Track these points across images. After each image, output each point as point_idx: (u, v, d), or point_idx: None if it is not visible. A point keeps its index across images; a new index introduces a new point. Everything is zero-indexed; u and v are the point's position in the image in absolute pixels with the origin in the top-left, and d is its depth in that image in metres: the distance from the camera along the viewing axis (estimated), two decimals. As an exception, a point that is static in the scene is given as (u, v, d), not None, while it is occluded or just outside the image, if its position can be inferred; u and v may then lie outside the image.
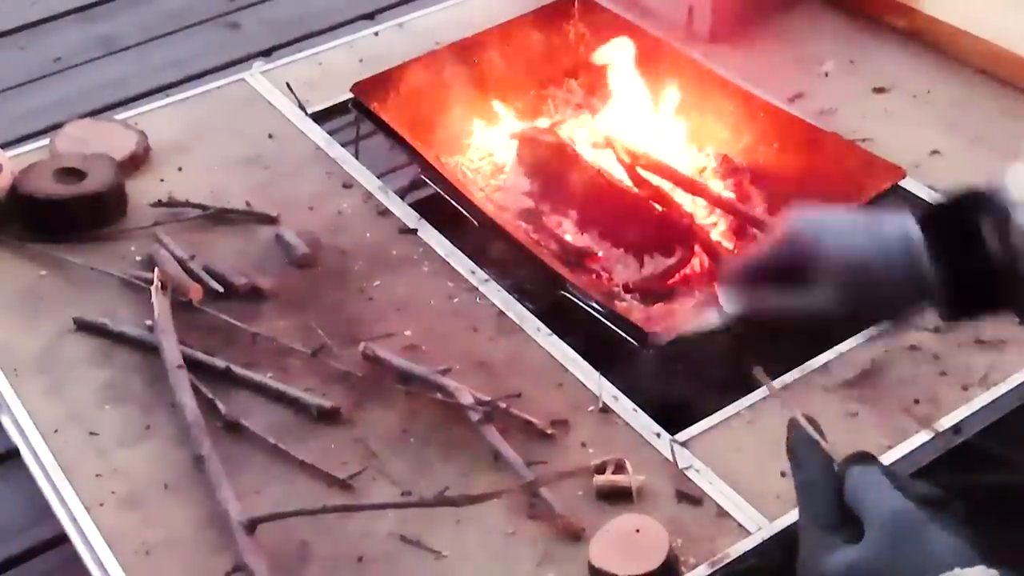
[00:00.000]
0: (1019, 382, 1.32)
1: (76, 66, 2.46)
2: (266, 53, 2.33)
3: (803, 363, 1.36)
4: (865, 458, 0.71)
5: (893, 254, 0.82)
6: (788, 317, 0.87)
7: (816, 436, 0.74)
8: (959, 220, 0.82)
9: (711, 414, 1.31)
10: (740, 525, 1.18)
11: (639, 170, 1.72)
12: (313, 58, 1.92)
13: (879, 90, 1.78)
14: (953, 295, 0.81)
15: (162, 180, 1.66)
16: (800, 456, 0.74)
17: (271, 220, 1.59)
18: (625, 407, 1.31)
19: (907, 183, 1.57)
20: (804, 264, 0.85)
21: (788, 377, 1.34)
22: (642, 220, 1.63)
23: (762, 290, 0.88)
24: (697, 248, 1.61)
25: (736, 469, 1.24)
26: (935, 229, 0.82)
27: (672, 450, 1.26)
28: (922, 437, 1.26)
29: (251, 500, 1.22)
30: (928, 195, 1.58)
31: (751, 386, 1.34)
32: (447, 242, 1.54)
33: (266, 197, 1.62)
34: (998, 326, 1.37)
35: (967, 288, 0.81)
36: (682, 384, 1.49)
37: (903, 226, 0.83)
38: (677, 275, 1.60)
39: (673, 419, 1.30)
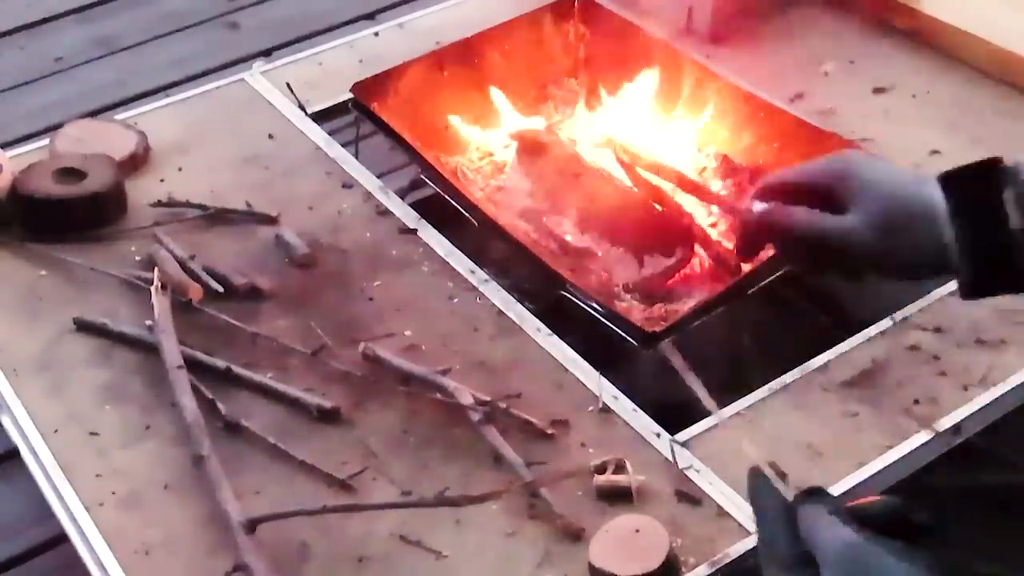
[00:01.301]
0: (1019, 382, 1.32)
1: (76, 66, 2.46)
2: (266, 53, 2.33)
3: (803, 363, 1.36)
4: (816, 493, 0.71)
5: (921, 212, 0.82)
6: (812, 236, 0.85)
7: (775, 478, 0.73)
8: (981, 191, 0.81)
9: (711, 414, 1.31)
10: (740, 525, 1.18)
11: (639, 170, 1.72)
12: (313, 58, 1.92)
13: (879, 90, 1.78)
14: (972, 268, 0.80)
15: (162, 180, 1.66)
16: (759, 500, 0.74)
17: (271, 220, 1.59)
18: (625, 407, 1.31)
19: (907, 183, 1.57)
20: (842, 190, 0.85)
21: (788, 377, 1.34)
22: (642, 220, 1.63)
23: (794, 204, 0.87)
24: (697, 248, 1.61)
25: (736, 469, 1.24)
26: (957, 200, 0.81)
27: (672, 450, 1.26)
28: (922, 437, 1.26)
29: (251, 500, 1.22)
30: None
31: (751, 386, 1.34)
32: (447, 242, 1.54)
33: (266, 197, 1.62)
34: (998, 326, 1.37)
35: (987, 262, 0.80)
36: (682, 384, 1.49)
37: (931, 191, 0.83)
38: (677, 275, 1.60)
39: (673, 419, 1.30)
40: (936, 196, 0.82)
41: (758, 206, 0.88)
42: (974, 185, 0.81)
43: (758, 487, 0.75)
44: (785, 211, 0.87)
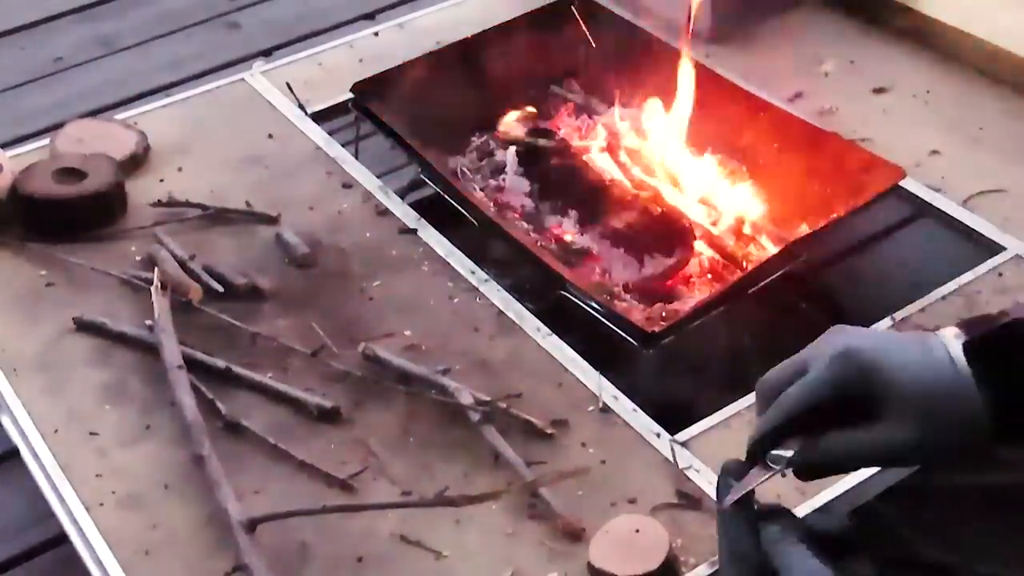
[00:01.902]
0: (1019, 382, 1.32)
1: (76, 66, 2.46)
2: (266, 53, 2.33)
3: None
4: (777, 513, 0.73)
5: (951, 382, 0.74)
6: (855, 461, 0.78)
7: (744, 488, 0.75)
8: (1007, 355, 0.75)
9: (711, 414, 1.31)
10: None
11: (637, 171, 1.72)
12: (313, 58, 1.92)
13: (879, 90, 1.78)
14: (1006, 430, 0.75)
15: (162, 180, 1.66)
16: (725, 520, 0.75)
17: (271, 220, 1.59)
18: (625, 407, 1.31)
19: (907, 183, 1.58)
20: (860, 400, 0.76)
21: (788, 377, 1.34)
22: (642, 220, 1.63)
23: (817, 434, 0.78)
24: (697, 248, 1.61)
25: (736, 469, 1.23)
26: (983, 363, 0.74)
27: (672, 450, 1.26)
28: (922, 437, 1.26)
29: (251, 500, 1.22)
30: (928, 196, 1.59)
31: (751, 386, 1.34)
32: (447, 242, 1.54)
33: (266, 197, 1.62)
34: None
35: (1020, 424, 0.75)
36: (682, 384, 1.49)
37: (950, 353, 0.75)
38: (677, 275, 1.60)
39: (673, 419, 1.30)
40: (955, 355, 0.75)
41: (781, 460, 0.80)
42: (997, 348, 0.75)
43: (721, 485, 0.77)
44: (813, 455, 0.78)
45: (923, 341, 0.76)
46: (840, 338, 0.77)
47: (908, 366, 0.75)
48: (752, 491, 0.76)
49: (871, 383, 0.75)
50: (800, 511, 1.18)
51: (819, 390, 0.77)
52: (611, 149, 1.75)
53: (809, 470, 0.79)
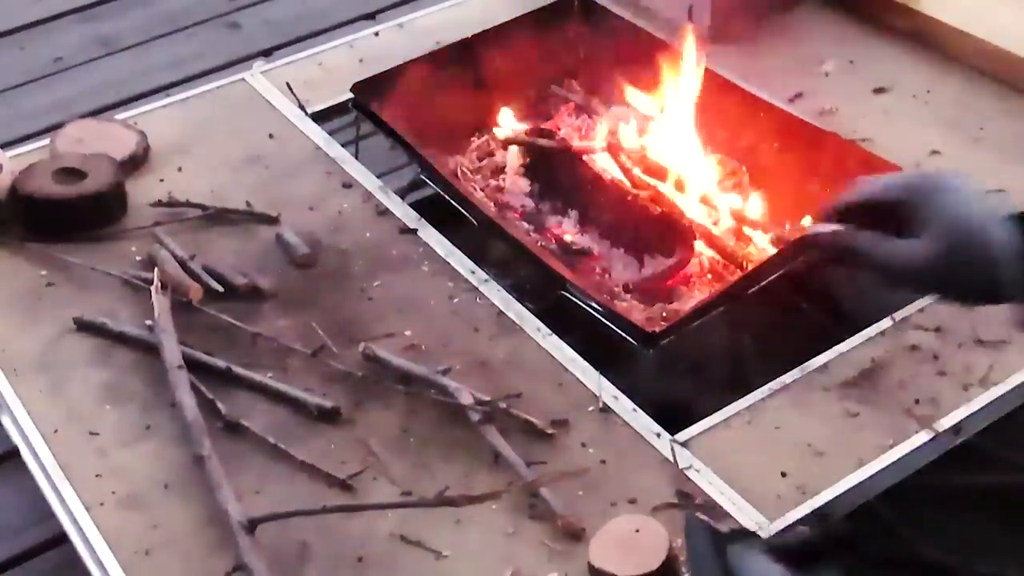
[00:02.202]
0: (1019, 382, 1.32)
1: (76, 66, 2.46)
2: (266, 53, 2.34)
3: (803, 363, 1.36)
4: (744, 535, 0.77)
5: (982, 252, 0.82)
6: (875, 261, 0.85)
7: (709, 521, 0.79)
8: None
9: (711, 414, 1.31)
10: (740, 525, 1.18)
11: (637, 171, 1.72)
12: (313, 58, 1.92)
13: (879, 90, 1.78)
14: None
15: (162, 180, 1.66)
16: (693, 539, 0.80)
17: (271, 220, 1.59)
18: (625, 407, 1.31)
19: (907, 183, 1.57)
20: (911, 213, 0.84)
21: (788, 377, 1.34)
22: (642, 220, 1.63)
23: (858, 227, 0.87)
24: (697, 248, 1.61)
25: (736, 469, 1.24)
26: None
27: (672, 450, 1.26)
28: (922, 437, 1.26)
29: (251, 500, 1.22)
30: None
31: (751, 386, 1.34)
32: (447, 242, 1.54)
33: (266, 197, 1.62)
34: (998, 326, 1.37)
35: None
36: (682, 384, 1.49)
37: (999, 233, 0.83)
38: (677, 275, 1.60)
39: (673, 419, 1.30)
40: (1002, 238, 0.82)
41: (823, 228, 0.89)
42: None
43: (690, 526, 0.81)
44: (845, 239, 0.88)
45: (988, 207, 0.84)
46: (924, 172, 0.90)
47: (958, 213, 0.83)
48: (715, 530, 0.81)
49: (922, 208, 0.83)
50: (800, 511, 1.18)
51: (875, 188, 0.87)
52: (611, 149, 1.75)
53: (840, 256, 0.88)
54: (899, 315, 1.41)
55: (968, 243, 0.82)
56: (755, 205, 1.67)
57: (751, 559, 0.73)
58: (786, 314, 1.56)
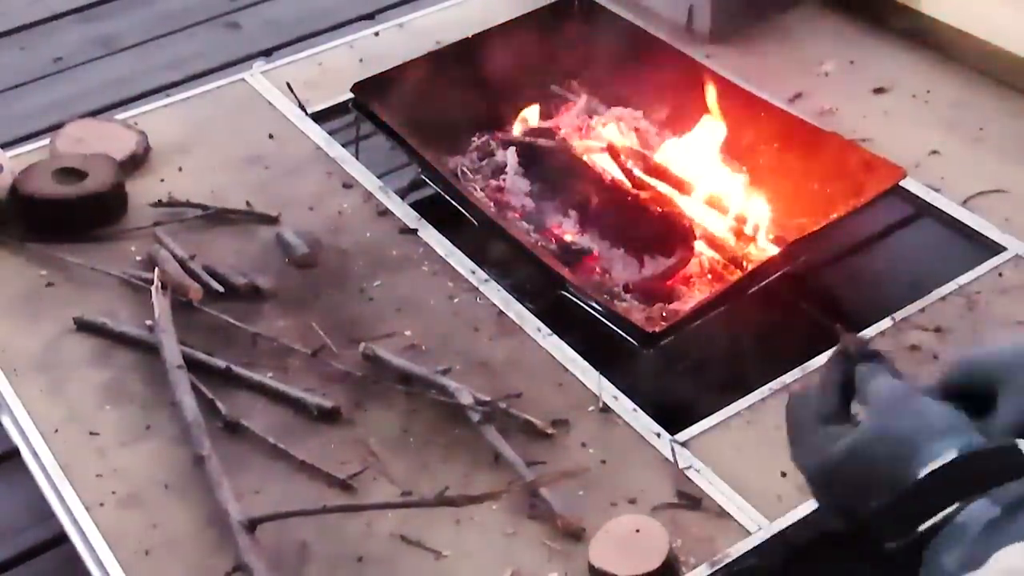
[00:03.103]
0: (1019, 382, 1.32)
1: (76, 66, 2.46)
2: (266, 53, 2.33)
3: (803, 363, 1.35)
4: (873, 356, 0.74)
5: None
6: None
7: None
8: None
9: (711, 414, 1.31)
10: (740, 525, 1.18)
11: (637, 172, 1.72)
12: (313, 58, 1.92)
13: (879, 90, 1.78)
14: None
15: (162, 180, 1.66)
16: (831, 361, 0.75)
17: (271, 220, 1.59)
18: (625, 407, 1.31)
19: (907, 183, 1.58)
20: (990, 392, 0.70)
21: (788, 377, 1.34)
22: (642, 220, 1.63)
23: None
24: (697, 248, 1.61)
25: (736, 469, 1.24)
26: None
27: (672, 450, 1.26)
28: (922, 437, 1.26)
29: (251, 500, 1.22)
30: (928, 196, 1.59)
31: (751, 386, 1.34)
32: (447, 242, 1.54)
33: (266, 197, 1.62)
34: (998, 326, 1.37)
35: None
36: (682, 384, 1.49)
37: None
38: (677, 275, 1.60)
39: (673, 419, 1.30)
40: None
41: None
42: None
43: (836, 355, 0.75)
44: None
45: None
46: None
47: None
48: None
49: (991, 373, 0.70)
50: (800, 511, 1.18)
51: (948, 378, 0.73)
52: (611, 149, 1.75)
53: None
54: (899, 315, 1.41)
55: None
56: (755, 205, 1.66)
57: (880, 374, 0.71)
58: (786, 314, 1.56)
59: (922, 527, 0.62)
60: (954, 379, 0.73)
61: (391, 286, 1.49)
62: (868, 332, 1.39)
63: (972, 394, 0.71)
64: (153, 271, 1.46)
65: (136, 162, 1.67)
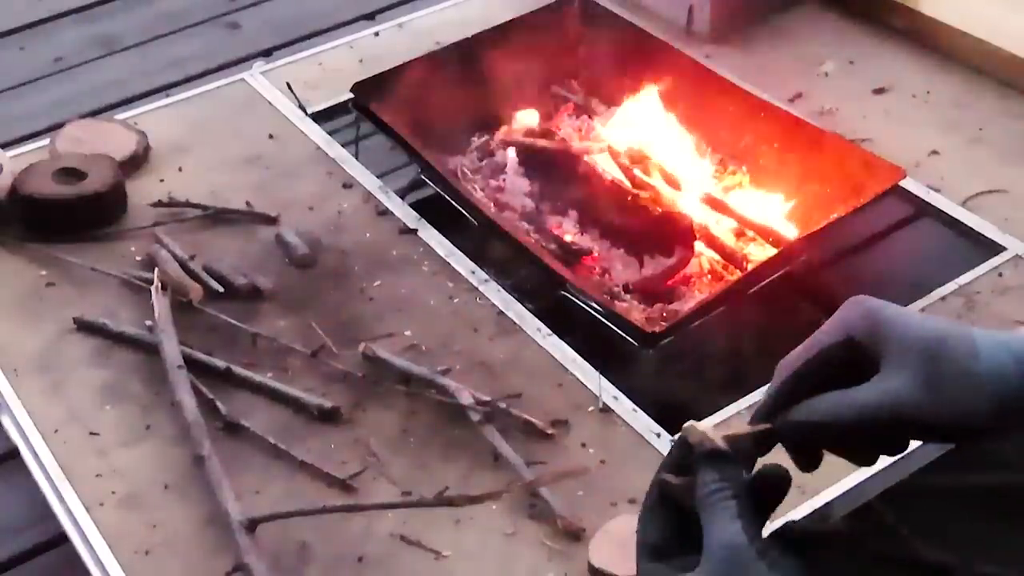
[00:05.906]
0: (1019, 382, 1.32)
1: (76, 66, 2.46)
2: (266, 53, 2.33)
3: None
4: (722, 458, 0.67)
5: (962, 335, 0.67)
6: (846, 422, 0.68)
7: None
8: None
9: (711, 414, 1.31)
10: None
11: (637, 172, 1.72)
12: (313, 58, 1.92)
13: (879, 90, 1.78)
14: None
15: (162, 180, 1.66)
16: (655, 480, 0.72)
17: (271, 220, 1.59)
18: (625, 407, 1.31)
19: (907, 183, 1.58)
20: (871, 349, 0.68)
21: (788, 377, 1.34)
22: (642, 220, 1.63)
23: (819, 398, 0.69)
24: (697, 248, 1.61)
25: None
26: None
27: (672, 450, 1.25)
28: (922, 437, 1.26)
29: (251, 500, 1.22)
30: (928, 196, 1.59)
31: (751, 386, 1.34)
32: (447, 242, 1.54)
33: (266, 197, 1.62)
34: (998, 326, 1.37)
35: None
36: (682, 384, 1.49)
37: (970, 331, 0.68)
38: (677, 275, 1.60)
39: (673, 419, 1.30)
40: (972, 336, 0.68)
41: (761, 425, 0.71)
42: None
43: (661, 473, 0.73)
44: (809, 408, 0.69)
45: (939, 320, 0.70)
46: (857, 304, 0.71)
47: (918, 317, 0.68)
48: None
49: (876, 326, 0.68)
50: (800, 511, 1.18)
51: (825, 336, 0.69)
52: (611, 149, 1.75)
53: (797, 439, 0.70)
54: (899, 315, 1.41)
55: (945, 350, 0.67)
56: (755, 205, 1.66)
57: (720, 504, 0.65)
58: (786, 314, 1.56)
59: None
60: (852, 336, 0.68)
61: (391, 286, 1.49)
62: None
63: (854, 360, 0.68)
64: (153, 271, 1.46)
65: (136, 162, 1.67)
